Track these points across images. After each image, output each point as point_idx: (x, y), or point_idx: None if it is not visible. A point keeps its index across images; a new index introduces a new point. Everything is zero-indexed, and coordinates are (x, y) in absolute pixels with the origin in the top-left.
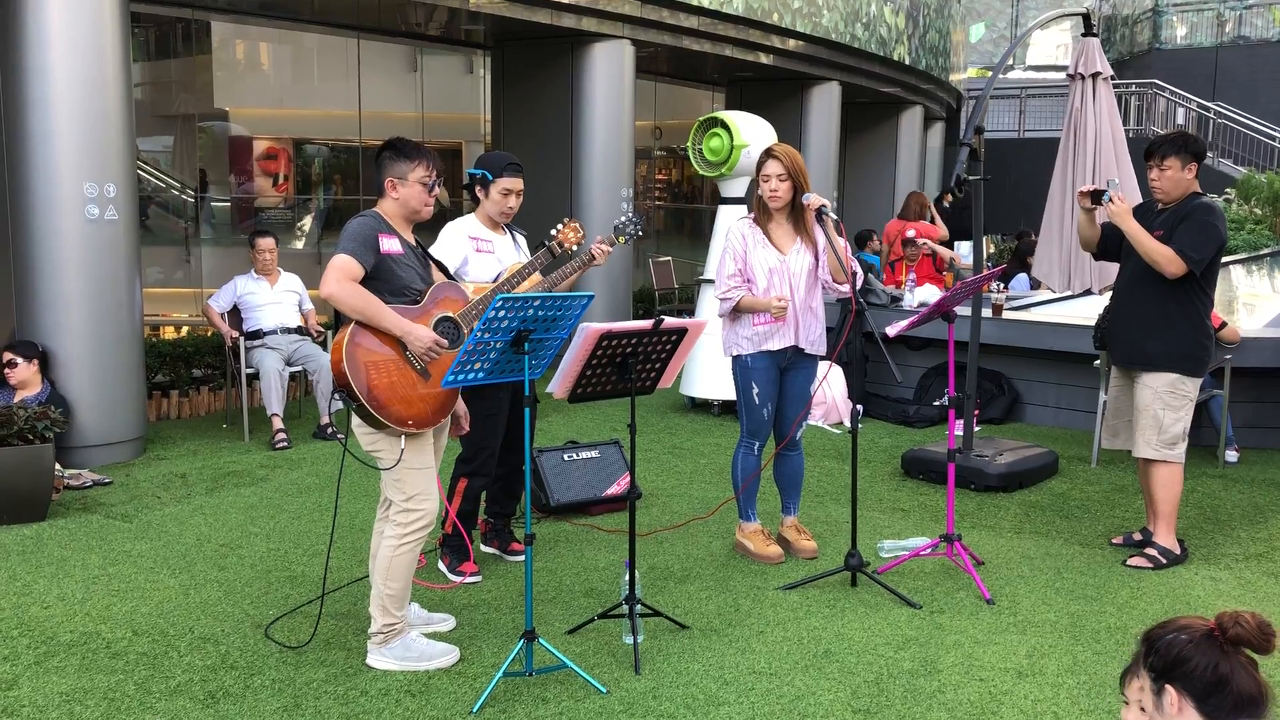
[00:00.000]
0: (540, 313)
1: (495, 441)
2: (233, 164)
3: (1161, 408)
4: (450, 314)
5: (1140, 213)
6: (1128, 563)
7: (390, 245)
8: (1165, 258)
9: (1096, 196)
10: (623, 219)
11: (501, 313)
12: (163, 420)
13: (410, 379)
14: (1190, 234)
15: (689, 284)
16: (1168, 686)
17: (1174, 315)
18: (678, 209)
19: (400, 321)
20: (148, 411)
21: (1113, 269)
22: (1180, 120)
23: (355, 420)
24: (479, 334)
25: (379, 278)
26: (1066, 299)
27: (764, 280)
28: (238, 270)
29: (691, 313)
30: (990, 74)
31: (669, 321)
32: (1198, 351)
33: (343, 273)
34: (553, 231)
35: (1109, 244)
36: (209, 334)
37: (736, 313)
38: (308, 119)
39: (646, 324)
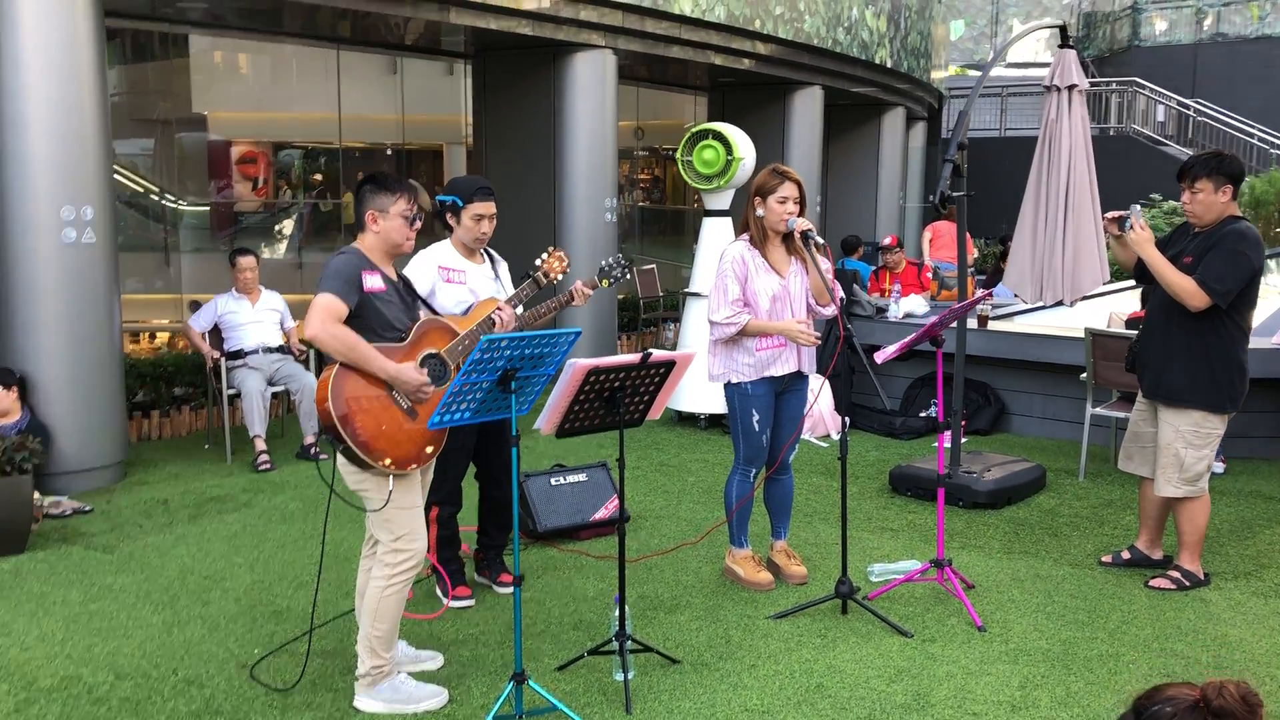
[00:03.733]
0: (527, 351)
1: (460, 471)
2: (211, 168)
3: (1184, 446)
4: (436, 350)
5: (1176, 236)
6: (1150, 583)
7: (373, 282)
8: (1186, 290)
9: (1121, 223)
10: (609, 261)
11: (488, 353)
12: (144, 441)
13: (397, 418)
14: (1217, 264)
15: (674, 290)
16: None
17: (1201, 348)
18: (659, 210)
19: (386, 364)
20: (129, 432)
21: (1086, 280)
22: (1160, 118)
23: (341, 460)
24: (465, 375)
25: (362, 315)
26: (1050, 308)
27: (767, 305)
28: (216, 274)
29: (678, 321)
30: (976, 73)
31: (657, 354)
32: (1225, 388)
33: (327, 313)
34: (537, 262)
35: (1145, 269)
36: (189, 351)
37: (737, 337)
38: (287, 122)
39: (634, 358)
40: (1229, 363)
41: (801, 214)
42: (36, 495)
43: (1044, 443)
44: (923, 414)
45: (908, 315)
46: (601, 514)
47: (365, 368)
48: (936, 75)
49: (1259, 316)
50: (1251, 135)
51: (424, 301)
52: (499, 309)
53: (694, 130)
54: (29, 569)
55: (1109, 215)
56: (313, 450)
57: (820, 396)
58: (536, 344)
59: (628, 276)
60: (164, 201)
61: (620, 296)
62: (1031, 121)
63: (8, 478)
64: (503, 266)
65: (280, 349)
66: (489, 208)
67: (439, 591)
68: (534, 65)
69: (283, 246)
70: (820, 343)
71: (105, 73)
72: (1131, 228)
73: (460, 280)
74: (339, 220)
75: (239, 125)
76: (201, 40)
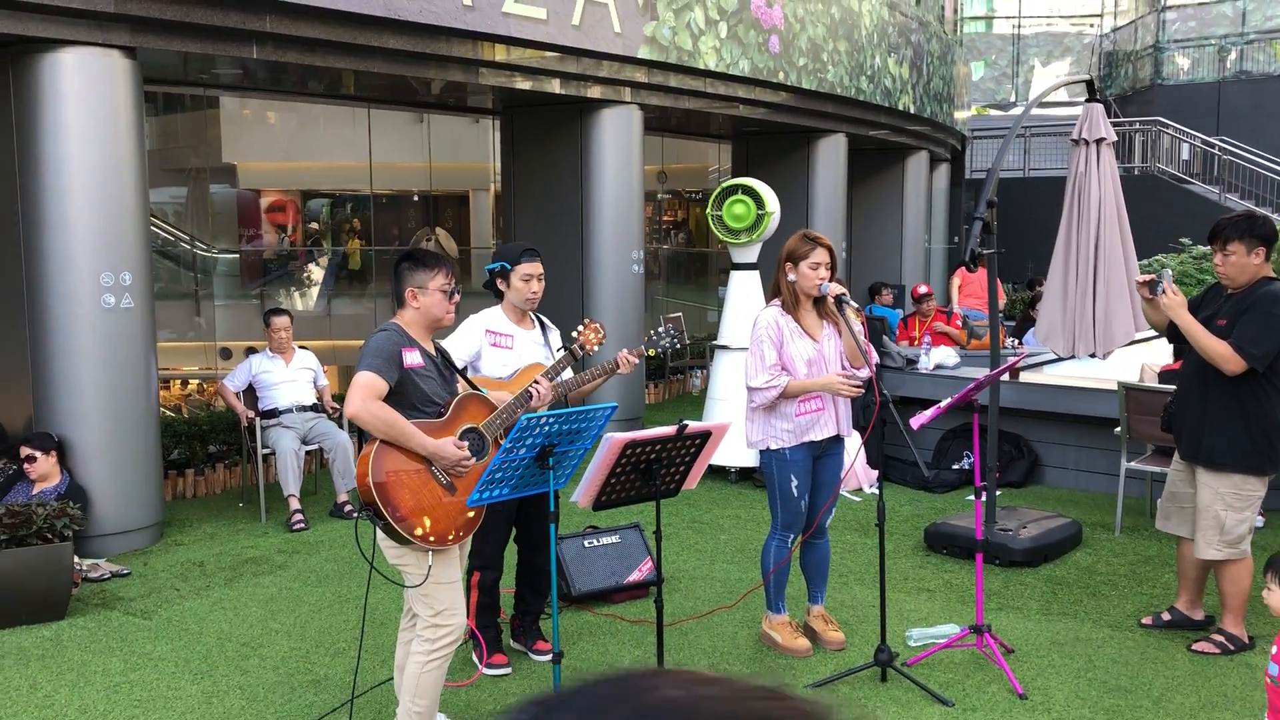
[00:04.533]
0: (564, 427)
1: (501, 536)
2: (241, 217)
3: (1223, 508)
4: (475, 425)
5: (1208, 298)
6: (1193, 648)
7: (412, 359)
8: (1221, 355)
9: (1153, 286)
10: (657, 331)
11: (527, 431)
12: (178, 499)
13: (436, 493)
14: (1252, 327)
15: (700, 337)
16: None
17: (1239, 411)
18: (684, 253)
19: (426, 440)
20: (164, 491)
21: (1118, 333)
22: (1185, 156)
23: (380, 535)
24: (504, 453)
25: (402, 391)
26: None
27: (804, 370)
28: (246, 321)
29: (704, 369)
30: (997, 113)
31: (693, 426)
32: (1264, 450)
33: (367, 391)
34: (573, 334)
35: (1178, 329)
36: (223, 409)
37: (776, 401)
38: (316, 171)
39: (670, 430)
40: (1267, 425)
41: (832, 278)
42: (75, 559)
43: (1078, 495)
44: (955, 466)
45: (938, 366)
46: (635, 576)
47: (405, 444)
48: (959, 115)
49: None
50: (1278, 173)
51: (462, 374)
52: (536, 382)
53: (724, 185)
54: (69, 636)
55: (1140, 279)
56: (346, 508)
57: (851, 449)
58: (573, 420)
59: (678, 346)
60: (195, 250)
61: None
62: (1055, 161)
63: (49, 544)
64: (554, 334)
65: (314, 407)
66: (536, 268)
67: (474, 658)
68: (561, 121)
69: (313, 293)
70: (863, 392)
71: (144, 141)
72: (1164, 291)
73: (507, 345)
74: (345, 267)
75: (269, 175)
76: (233, 98)
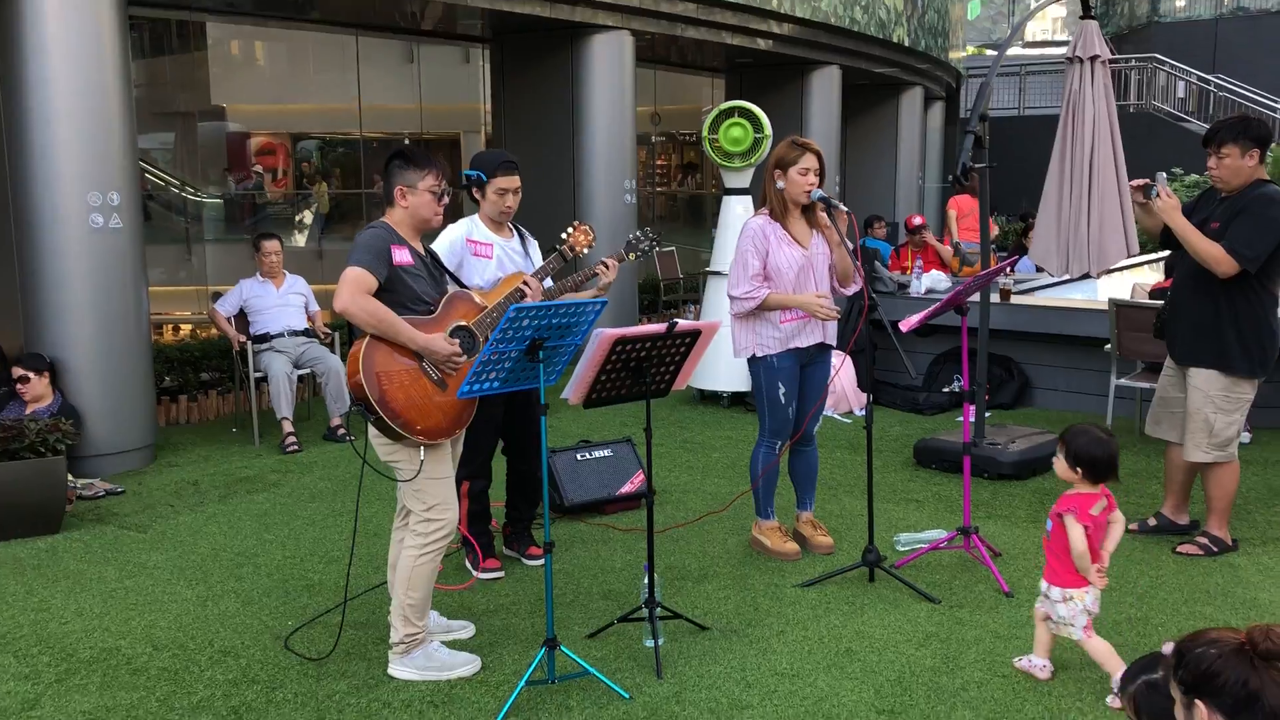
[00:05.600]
0: (554, 320)
1: (491, 445)
2: (230, 160)
3: (1213, 411)
4: (465, 323)
5: (1202, 201)
6: (1178, 550)
7: (402, 256)
8: (1214, 257)
9: (1146, 190)
10: (636, 235)
11: (516, 322)
12: (172, 426)
13: (426, 390)
14: (1245, 229)
15: (693, 273)
16: (1198, 701)
17: (1231, 314)
18: (678, 194)
19: (416, 335)
20: (157, 417)
21: (1112, 251)
22: (1181, 94)
23: (373, 431)
24: (494, 344)
25: (391, 289)
26: (1071, 281)
27: (792, 277)
28: (237, 264)
29: (698, 303)
30: (992, 53)
31: (682, 324)
32: (1255, 353)
33: (356, 286)
34: (563, 235)
35: (1172, 234)
36: (216, 337)
37: (758, 311)
38: (306, 113)
39: (660, 328)
40: (1259, 328)
41: (821, 185)
42: (70, 477)
43: (1068, 416)
44: (946, 390)
45: (930, 291)
46: (627, 488)
47: (395, 339)
48: (954, 55)
49: None
50: (1275, 109)
51: (453, 276)
52: (526, 282)
53: (720, 108)
54: (64, 548)
55: (1134, 183)
56: (339, 432)
57: (843, 373)
58: (563, 313)
59: (657, 248)
60: (184, 194)
61: (640, 280)
62: (1049, 100)
63: (42, 459)
64: (533, 244)
65: (305, 332)
66: (513, 182)
67: (468, 563)
68: (551, 48)
69: (301, 238)
70: (839, 317)
71: (129, 59)
72: (1157, 195)
73: (487, 254)
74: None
75: (258, 117)
76: (219, 30)
